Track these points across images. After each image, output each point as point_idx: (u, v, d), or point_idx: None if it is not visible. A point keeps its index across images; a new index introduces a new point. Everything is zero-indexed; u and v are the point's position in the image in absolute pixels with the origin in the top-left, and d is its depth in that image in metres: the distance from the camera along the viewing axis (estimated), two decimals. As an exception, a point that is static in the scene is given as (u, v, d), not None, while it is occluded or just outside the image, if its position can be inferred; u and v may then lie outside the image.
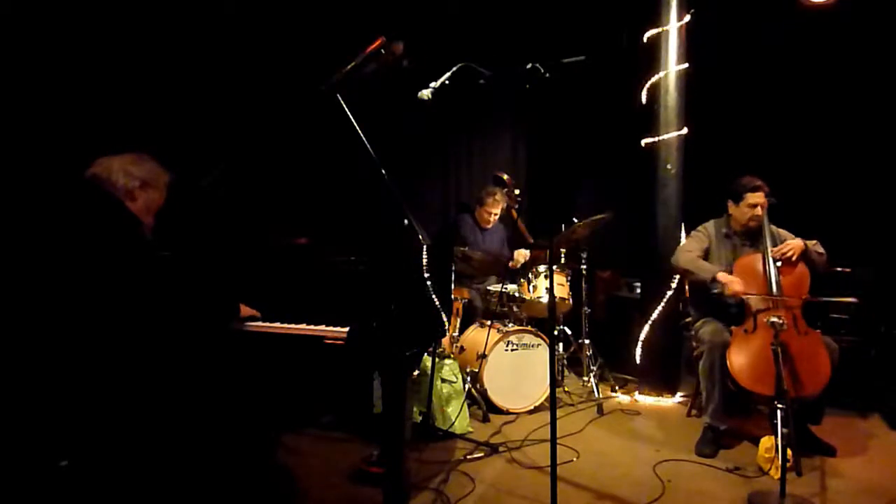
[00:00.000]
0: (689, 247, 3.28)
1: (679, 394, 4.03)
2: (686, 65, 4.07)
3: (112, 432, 1.84)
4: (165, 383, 1.95)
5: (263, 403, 2.51)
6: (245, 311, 2.15)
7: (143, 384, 1.89)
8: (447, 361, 3.37)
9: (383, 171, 2.14)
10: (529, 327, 3.80)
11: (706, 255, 3.28)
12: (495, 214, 4.42)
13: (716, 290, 3.08)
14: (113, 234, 1.95)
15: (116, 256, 1.91)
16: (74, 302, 1.83)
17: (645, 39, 4.16)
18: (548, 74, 2.23)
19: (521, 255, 4.34)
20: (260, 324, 2.11)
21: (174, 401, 1.98)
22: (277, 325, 2.09)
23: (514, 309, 3.96)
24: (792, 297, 2.95)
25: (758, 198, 3.12)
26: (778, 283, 2.98)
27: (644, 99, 4.21)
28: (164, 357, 1.94)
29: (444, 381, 3.26)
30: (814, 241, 3.11)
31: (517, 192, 4.39)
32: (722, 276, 3.02)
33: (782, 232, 3.23)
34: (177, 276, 2.07)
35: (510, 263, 4.35)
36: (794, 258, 3.01)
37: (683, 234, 4.06)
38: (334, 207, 2.40)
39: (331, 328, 2.00)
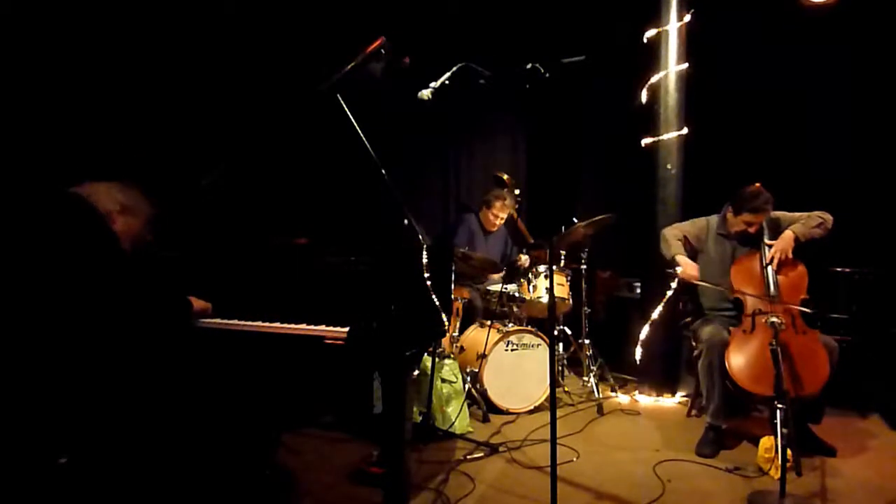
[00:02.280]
0: (679, 224, 3.45)
1: (679, 394, 4.03)
2: (686, 65, 4.07)
3: (100, 430, 1.85)
4: (146, 379, 1.96)
5: (263, 403, 2.51)
6: (197, 304, 2.16)
7: (120, 381, 1.90)
8: (447, 361, 3.37)
9: (383, 171, 2.14)
10: (529, 327, 3.80)
11: (702, 248, 3.32)
12: (501, 218, 4.41)
13: (673, 271, 3.26)
14: (90, 235, 1.96)
15: (96, 257, 1.93)
16: (53, 302, 1.84)
17: (645, 39, 4.16)
18: (548, 74, 2.23)
19: (520, 259, 4.33)
20: (260, 324, 2.11)
21: (160, 398, 2.00)
22: (277, 324, 2.09)
23: (514, 309, 3.96)
24: (790, 300, 2.93)
25: (757, 218, 3.09)
26: (776, 284, 2.97)
27: (644, 99, 4.21)
28: (143, 353, 1.97)
29: (444, 381, 3.26)
30: (804, 219, 3.07)
31: (517, 192, 4.39)
32: (679, 259, 3.20)
33: (783, 217, 3.19)
34: (153, 277, 2.12)
35: (517, 263, 4.34)
36: (788, 257, 3.00)
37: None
38: (334, 208, 2.39)
39: (331, 328, 2.00)
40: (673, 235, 3.37)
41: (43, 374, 1.80)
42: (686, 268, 3.18)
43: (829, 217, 3.07)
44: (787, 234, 3.03)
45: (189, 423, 2.11)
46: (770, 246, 3.05)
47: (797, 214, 3.15)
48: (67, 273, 1.87)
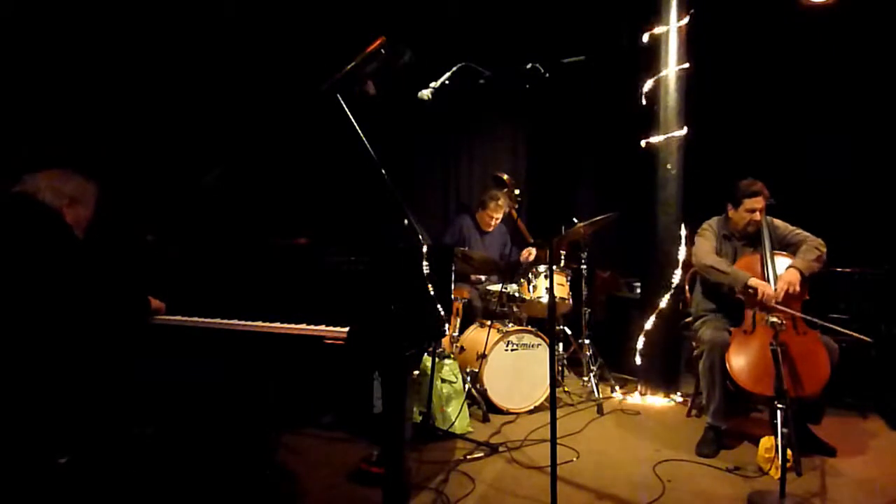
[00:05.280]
0: (706, 247, 3.22)
1: (679, 394, 4.03)
2: (686, 65, 4.07)
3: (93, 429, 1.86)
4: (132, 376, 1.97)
5: (264, 403, 2.51)
6: (154, 303, 2.18)
7: (103, 378, 1.91)
8: (447, 361, 3.36)
9: (383, 171, 2.14)
10: (529, 327, 3.80)
11: None
12: (497, 218, 4.41)
13: (740, 294, 3.01)
14: (52, 236, 1.97)
15: (62, 257, 1.94)
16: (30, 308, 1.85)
17: (645, 39, 4.17)
18: (548, 74, 2.22)
19: (528, 252, 4.34)
20: (261, 323, 2.11)
21: (158, 397, 2.00)
22: (277, 324, 2.08)
23: (514, 309, 3.96)
24: (791, 302, 2.93)
25: (756, 202, 3.10)
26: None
27: (644, 99, 4.21)
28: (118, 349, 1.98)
29: (444, 381, 3.26)
30: (802, 250, 3.05)
31: (517, 192, 4.39)
32: (755, 282, 2.95)
33: (779, 226, 3.20)
34: (110, 273, 2.11)
35: (521, 257, 4.34)
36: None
37: (683, 233, 4.07)
38: (334, 207, 2.39)
39: (331, 328, 2.00)
40: (717, 260, 3.14)
41: (43, 377, 1.80)
42: (765, 288, 2.91)
43: (824, 249, 3.05)
44: (793, 272, 2.95)
45: (189, 423, 2.11)
46: (772, 245, 3.07)
47: (793, 229, 3.16)
48: (37, 276, 1.87)
